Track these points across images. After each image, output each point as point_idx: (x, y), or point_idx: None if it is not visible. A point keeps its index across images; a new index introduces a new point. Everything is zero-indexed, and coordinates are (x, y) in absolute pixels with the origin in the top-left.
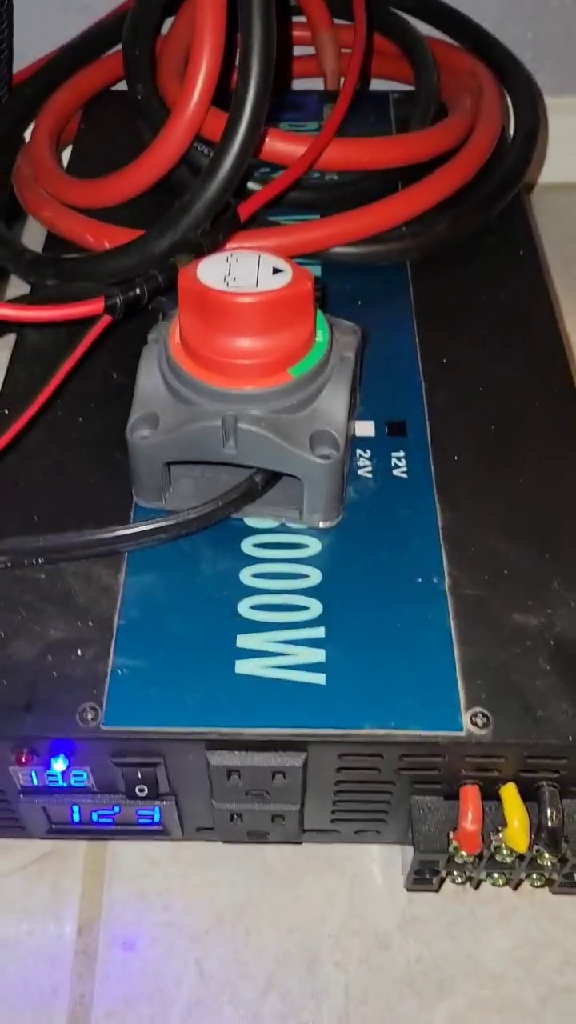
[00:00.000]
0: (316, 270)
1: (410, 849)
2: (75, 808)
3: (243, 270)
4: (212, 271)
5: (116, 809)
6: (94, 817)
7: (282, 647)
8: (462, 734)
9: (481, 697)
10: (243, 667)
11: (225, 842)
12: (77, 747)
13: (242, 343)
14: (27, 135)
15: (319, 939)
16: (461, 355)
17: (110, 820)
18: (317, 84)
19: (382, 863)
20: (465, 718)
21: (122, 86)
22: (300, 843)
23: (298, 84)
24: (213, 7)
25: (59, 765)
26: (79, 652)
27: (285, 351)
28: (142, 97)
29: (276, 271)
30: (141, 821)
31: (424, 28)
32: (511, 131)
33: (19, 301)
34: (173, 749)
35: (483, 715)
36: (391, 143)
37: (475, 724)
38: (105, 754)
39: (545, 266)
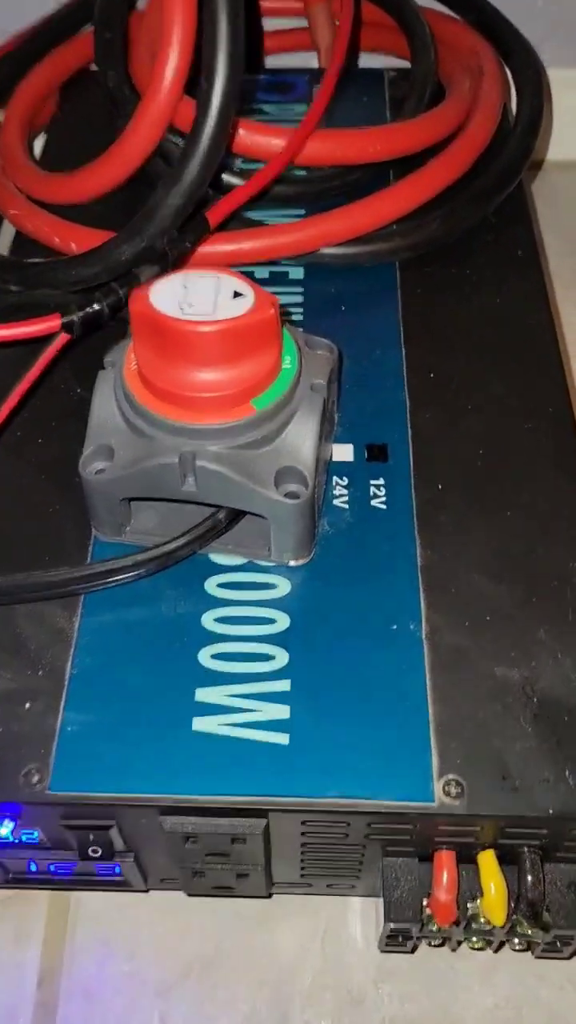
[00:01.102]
0: (298, 272)
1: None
2: (31, 862)
3: (200, 294)
4: (165, 295)
5: (73, 863)
6: (52, 868)
7: (244, 702)
8: (433, 805)
9: (456, 763)
10: (201, 724)
11: (190, 895)
12: (23, 810)
13: (200, 374)
14: None
15: (290, 995)
16: (450, 369)
17: (68, 873)
18: (310, 60)
19: (358, 910)
20: (437, 787)
21: None
22: (269, 897)
23: (291, 60)
24: None
25: (4, 829)
26: (27, 705)
27: (248, 382)
28: (113, 84)
29: (236, 295)
30: (102, 874)
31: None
32: (512, 115)
33: None
34: (125, 813)
35: (456, 783)
36: (379, 135)
37: (447, 794)
38: (53, 817)
39: (546, 269)
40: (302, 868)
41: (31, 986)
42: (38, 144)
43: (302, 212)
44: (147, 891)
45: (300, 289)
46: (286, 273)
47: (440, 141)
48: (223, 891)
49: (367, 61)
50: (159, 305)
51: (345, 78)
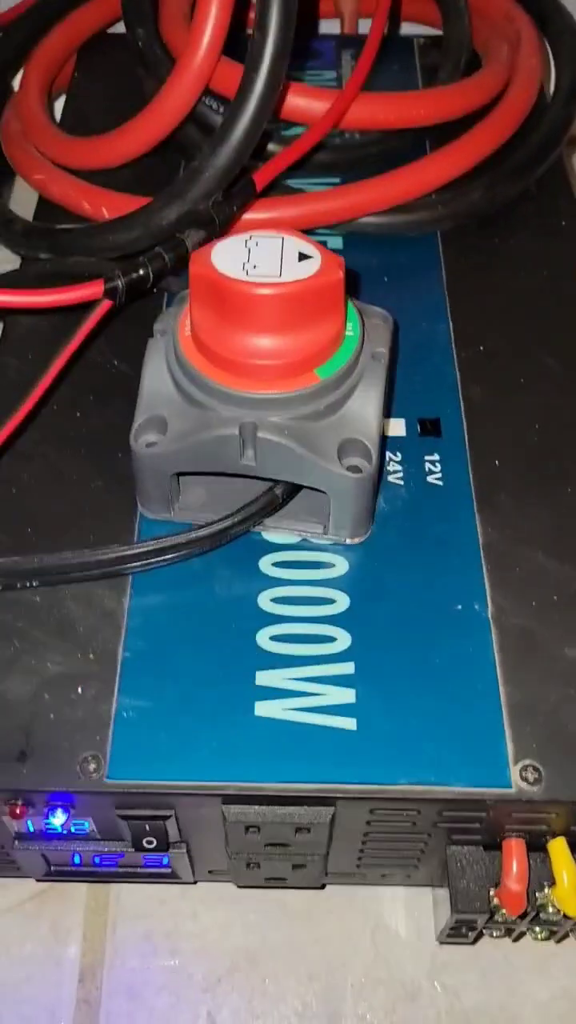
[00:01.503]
0: (337, 242)
1: (441, 892)
2: (77, 854)
3: (264, 256)
4: (229, 256)
5: (121, 854)
6: (97, 861)
7: (307, 685)
8: (511, 791)
9: (531, 747)
10: (264, 709)
11: (240, 887)
12: (78, 800)
13: (263, 340)
14: (15, 84)
15: (342, 989)
16: (499, 342)
17: (114, 864)
18: (332, 27)
19: (408, 902)
20: (514, 773)
21: (121, 27)
22: (322, 888)
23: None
24: None
25: (57, 819)
26: (79, 690)
27: (311, 349)
28: (143, 43)
29: (303, 257)
30: (149, 866)
31: None
32: (551, 86)
33: (6, 279)
34: (185, 803)
35: (534, 769)
36: (421, 99)
37: (525, 780)
38: (109, 807)
39: None
40: (359, 857)
41: (72, 983)
42: (57, 108)
43: (337, 180)
44: (194, 883)
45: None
46: (324, 243)
47: (480, 108)
48: (275, 882)
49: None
50: (222, 267)
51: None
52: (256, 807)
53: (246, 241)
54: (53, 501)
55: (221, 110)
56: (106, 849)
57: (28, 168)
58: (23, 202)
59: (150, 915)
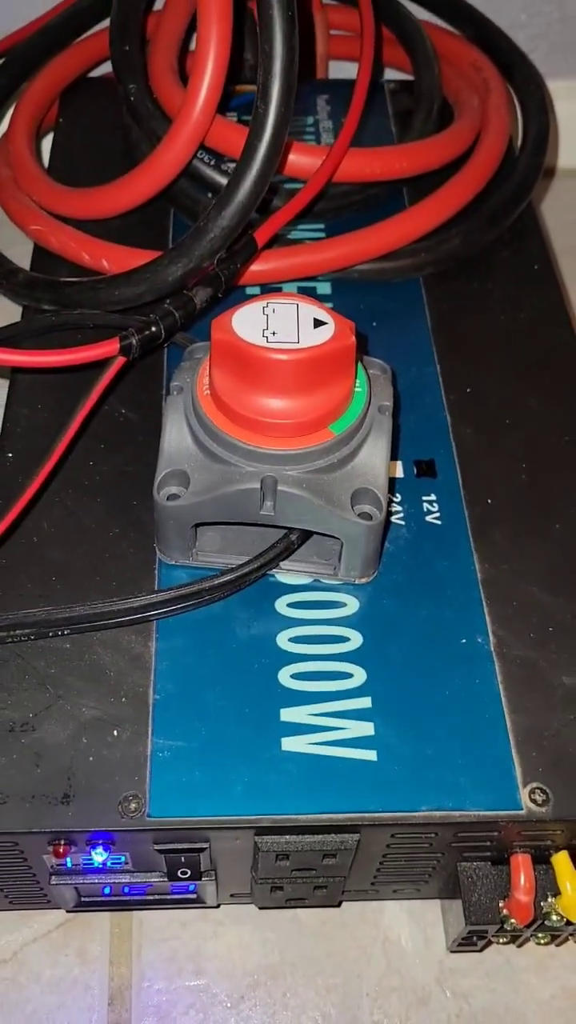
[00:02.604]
0: (325, 287)
1: (451, 904)
2: (109, 885)
3: (282, 323)
4: (249, 323)
5: (151, 884)
6: (126, 890)
7: (329, 720)
8: (521, 812)
9: (537, 771)
10: (290, 744)
11: (260, 908)
12: (119, 837)
13: (282, 401)
14: None
15: (358, 998)
16: (484, 384)
17: (142, 893)
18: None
19: (413, 914)
20: (523, 795)
21: (100, 70)
22: (338, 906)
23: None
24: (219, 7)
25: (98, 856)
26: (115, 732)
27: (327, 408)
28: (135, 97)
29: (317, 323)
30: (176, 892)
31: (417, 11)
32: (519, 132)
33: (12, 333)
34: (220, 835)
35: (541, 791)
36: (404, 153)
37: (534, 801)
38: (148, 843)
39: (561, 281)
40: (375, 876)
41: (102, 1007)
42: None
43: (322, 226)
44: (217, 906)
45: (329, 305)
46: (314, 289)
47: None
48: (295, 902)
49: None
50: (244, 334)
51: (346, 89)
52: (287, 837)
53: (263, 308)
54: (74, 548)
55: (213, 163)
56: (139, 880)
57: (23, 218)
58: (7, 241)
59: (173, 938)
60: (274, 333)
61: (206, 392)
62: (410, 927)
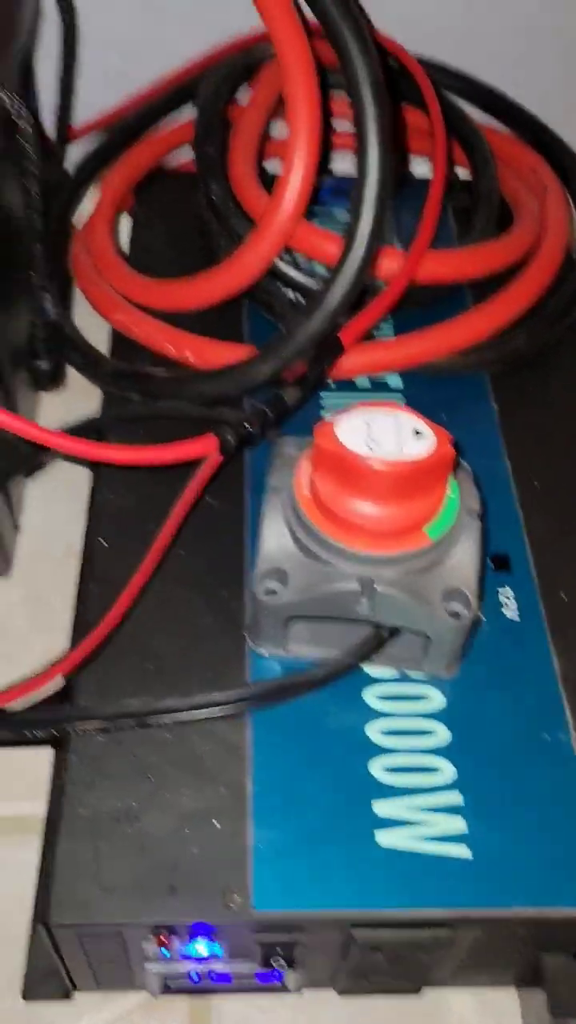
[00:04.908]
0: (396, 380)
1: (530, 994)
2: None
3: (383, 433)
4: (352, 433)
5: (241, 971)
6: (212, 976)
7: (421, 815)
8: None
9: None
10: (384, 838)
11: (340, 993)
12: (219, 930)
13: (384, 507)
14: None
15: None
16: (554, 479)
17: (228, 980)
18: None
19: (486, 1002)
20: None
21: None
22: (418, 992)
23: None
24: (309, 118)
25: (201, 948)
26: (216, 824)
27: (425, 514)
28: (217, 198)
29: (416, 433)
30: (262, 980)
31: (473, 111)
32: None
33: (102, 421)
34: (318, 927)
35: None
36: (473, 257)
37: None
38: (249, 933)
39: None
40: (457, 967)
41: None
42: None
43: (390, 321)
44: (300, 992)
45: (401, 397)
46: (386, 382)
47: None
48: (378, 989)
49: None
50: (349, 444)
51: (402, 185)
52: (383, 931)
53: (364, 418)
54: (168, 637)
55: (294, 262)
56: (232, 969)
57: (106, 307)
58: (82, 321)
59: (252, 1022)
60: (377, 443)
61: (305, 494)
62: (481, 1016)
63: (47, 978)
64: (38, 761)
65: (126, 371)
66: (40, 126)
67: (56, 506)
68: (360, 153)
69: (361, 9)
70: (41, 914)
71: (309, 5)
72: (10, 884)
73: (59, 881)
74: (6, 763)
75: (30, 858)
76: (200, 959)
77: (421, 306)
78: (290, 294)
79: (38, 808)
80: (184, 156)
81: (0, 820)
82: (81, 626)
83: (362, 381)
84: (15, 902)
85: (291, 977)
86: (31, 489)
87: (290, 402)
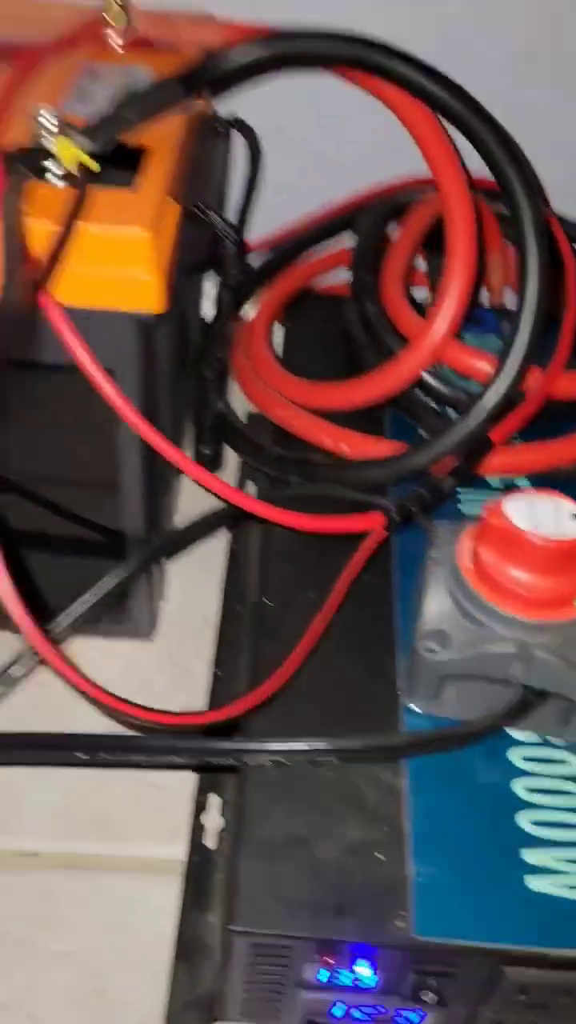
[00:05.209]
0: (523, 481)
1: None
2: (337, 1005)
3: (543, 514)
4: (519, 513)
5: (382, 1008)
6: (355, 1014)
7: (570, 867)
8: None
9: None
10: (534, 883)
11: None
12: (381, 953)
13: (545, 579)
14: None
15: None
16: None
17: (369, 1019)
18: None
19: None
20: None
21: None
22: None
23: None
24: (466, 250)
25: (364, 970)
26: (379, 856)
27: None
28: (372, 316)
29: (573, 516)
30: (398, 1021)
31: None
32: None
33: (274, 495)
34: (472, 962)
35: None
36: None
37: None
38: (406, 962)
39: None
40: None
41: None
42: None
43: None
44: None
45: None
46: (515, 483)
47: None
48: None
49: None
50: (517, 521)
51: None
52: (532, 970)
53: (528, 500)
54: (330, 691)
55: (438, 375)
56: (376, 1002)
57: (267, 404)
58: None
59: None
60: (541, 523)
61: (468, 564)
62: None
63: (189, 1010)
64: (178, 802)
65: (287, 457)
66: (243, 243)
67: (194, 580)
68: (521, 283)
69: (522, 154)
70: (225, 921)
71: (478, 151)
72: (152, 922)
73: (242, 894)
74: (151, 801)
75: (170, 896)
76: (352, 989)
77: (555, 419)
78: (431, 402)
79: (176, 852)
80: (326, 280)
81: (143, 861)
82: (242, 677)
83: (494, 481)
84: (156, 938)
85: (435, 1018)
86: (170, 565)
87: (446, 490)
